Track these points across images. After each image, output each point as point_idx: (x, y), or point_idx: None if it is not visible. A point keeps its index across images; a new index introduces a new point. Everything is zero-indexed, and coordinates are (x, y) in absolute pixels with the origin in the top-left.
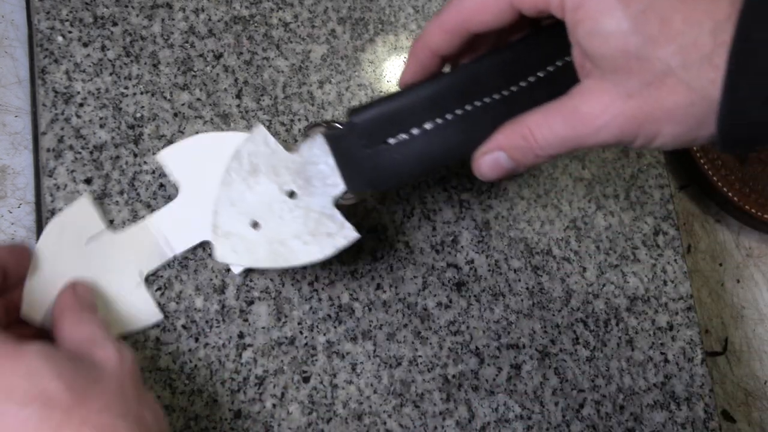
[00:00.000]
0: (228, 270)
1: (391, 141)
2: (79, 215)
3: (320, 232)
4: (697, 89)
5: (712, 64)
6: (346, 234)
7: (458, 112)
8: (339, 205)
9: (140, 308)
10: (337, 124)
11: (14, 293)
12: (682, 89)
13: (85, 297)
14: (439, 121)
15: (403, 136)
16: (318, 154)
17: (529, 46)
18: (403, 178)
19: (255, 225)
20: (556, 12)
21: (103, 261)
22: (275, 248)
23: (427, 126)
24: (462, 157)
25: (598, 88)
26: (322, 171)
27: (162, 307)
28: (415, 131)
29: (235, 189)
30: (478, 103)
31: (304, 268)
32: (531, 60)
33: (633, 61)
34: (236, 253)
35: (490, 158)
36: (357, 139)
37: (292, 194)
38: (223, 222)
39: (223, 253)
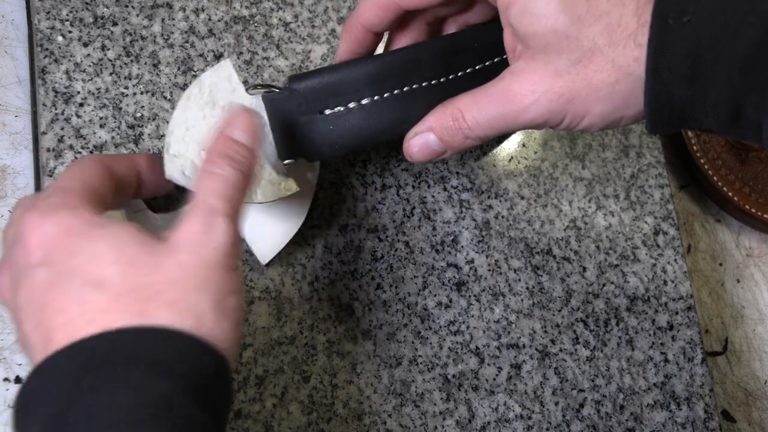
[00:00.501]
0: None
1: (328, 112)
2: (220, 77)
3: (264, 177)
4: (622, 67)
5: (636, 42)
6: (288, 185)
7: (396, 92)
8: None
9: (277, 179)
10: (276, 89)
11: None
12: (608, 67)
13: (241, 130)
14: (376, 98)
15: (340, 108)
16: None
17: (469, 39)
18: (335, 149)
19: (203, 153)
20: None
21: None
22: None
23: (365, 101)
24: (395, 135)
25: (528, 68)
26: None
27: None
28: (352, 105)
29: (191, 114)
30: (415, 86)
31: (305, 267)
32: (470, 52)
33: (562, 40)
34: (184, 176)
35: (421, 140)
36: (295, 106)
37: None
38: (176, 142)
39: (171, 172)
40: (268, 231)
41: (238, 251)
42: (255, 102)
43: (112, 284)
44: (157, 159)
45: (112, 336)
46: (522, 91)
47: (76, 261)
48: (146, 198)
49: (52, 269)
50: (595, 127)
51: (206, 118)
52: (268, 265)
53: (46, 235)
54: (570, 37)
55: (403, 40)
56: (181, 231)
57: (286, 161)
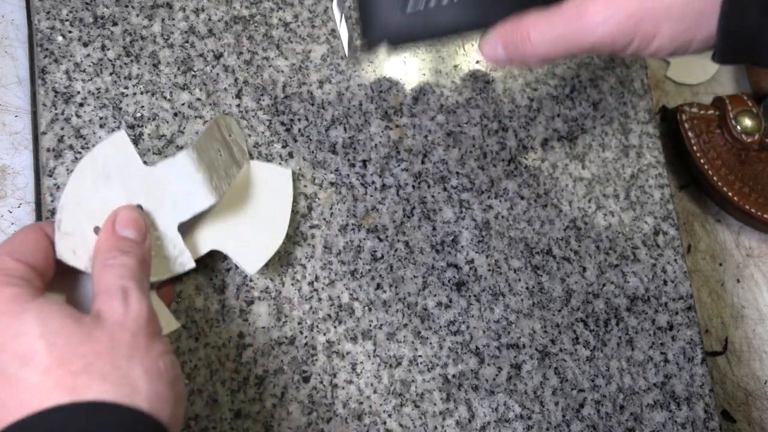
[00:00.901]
0: (228, 270)
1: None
2: (116, 148)
3: (158, 254)
4: None
5: None
6: (183, 261)
7: None
8: (359, 47)
9: (173, 254)
10: None
11: None
12: None
13: (125, 227)
14: None
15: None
16: (177, 174)
17: None
18: (420, 37)
19: (97, 230)
20: None
21: (137, 199)
22: None
23: None
24: (477, 29)
25: None
26: (175, 192)
27: None
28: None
29: (84, 187)
30: None
31: (305, 267)
32: None
33: None
34: (75, 255)
35: (490, 46)
36: None
37: (139, 208)
38: (67, 219)
39: (61, 251)
40: (252, 244)
41: (157, 319)
42: (164, 165)
43: (41, 359)
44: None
45: (44, 416)
46: (592, 9)
47: (3, 338)
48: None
49: None
50: (663, 51)
51: (100, 190)
52: (267, 265)
53: None
54: None
55: None
56: (98, 309)
57: (373, 45)
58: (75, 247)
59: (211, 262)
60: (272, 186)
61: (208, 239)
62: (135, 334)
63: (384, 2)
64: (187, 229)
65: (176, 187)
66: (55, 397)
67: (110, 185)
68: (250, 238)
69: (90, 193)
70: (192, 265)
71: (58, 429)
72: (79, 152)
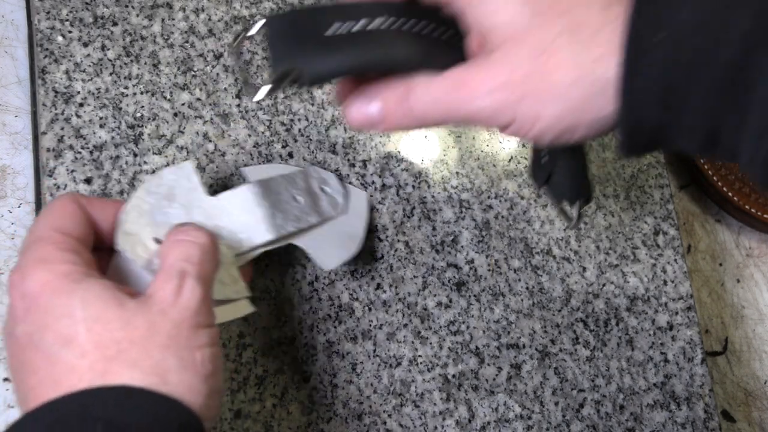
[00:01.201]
0: None
1: (329, 32)
2: (180, 175)
3: (216, 280)
4: (583, 65)
5: (598, 42)
6: (238, 289)
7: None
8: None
9: (225, 281)
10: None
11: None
12: (568, 64)
13: (198, 228)
14: (386, 23)
15: (342, 29)
16: (237, 206)
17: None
18: (342, 68)
19: (157, 241)
20: None
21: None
22: None
23: (373, 25)
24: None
25: (487, 61)
26: (233, 223)
27: None
28: (356, 27)
29: (148, 203)
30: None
31: (305, 267)
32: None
33: (523, 32)
34: (135, 252)
35: (362, 102)
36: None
37: None
38: (130, 222)
39: (123, 244)
40: (329, 248)
41: (208, 310)
42: (227, 197)
43: (79, 342)
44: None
45: (73, 398)
46: (475, 79)
47: (48, 318)
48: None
49: (29, 327)
50: (546, 134)
51: (162, 209)
52: (267, 265)
53: (25, 295)
54: (531, 30)
55: None
56: (151, 291)
57: (273, 84)
58: (135, 245)
59: None
60: (352, 196)
61: (298, 225)
62: (177, 324)
63: (299, 24)
64: (277, 211)
65: (235, 219)
66: (87, 379)
67: (172, 207)
68: (328, 242)
69: (153, 209)
70: (244, 294)
71: (83, 411)
72: (79, 152)
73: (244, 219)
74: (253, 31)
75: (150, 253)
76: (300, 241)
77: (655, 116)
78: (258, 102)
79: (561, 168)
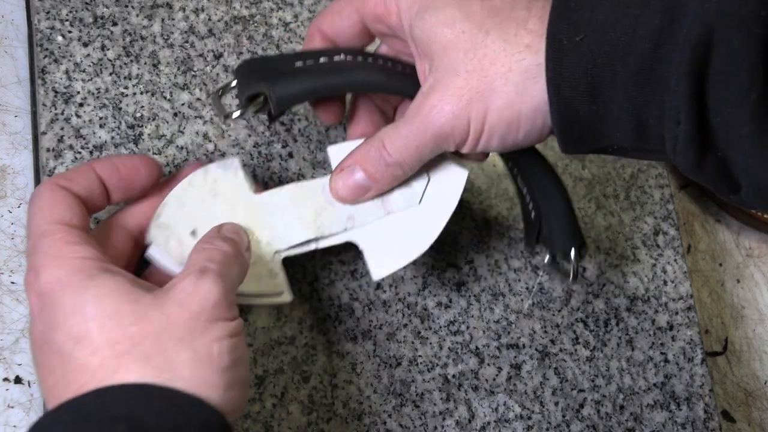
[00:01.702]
0: None
1: (298, 64)
2: (226, 171)
3: (253, 273)
4: (514, 54)
5: (527, 29)
6: (276, 283)
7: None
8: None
9: (265, 277)
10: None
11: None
12: (501, 57)
13: (229, 231)
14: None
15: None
16: (278, 205)
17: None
18: (309, 92)
19: (194, 233)
20: (394, 19)
21: (239, 222)
22: None
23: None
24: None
25: (435, 81)
26: (275, 222)
27: None
28: (322, 60)
29: (190, 196)
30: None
31: (305, 267)
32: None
33: (458, 36)
34: (167, 245)
35: (347, 175)
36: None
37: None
38: (166, 214)
39: (155, 236)
40: (390, 246)
41: (229, 305)
42: (270, 195)
43: (91, 340)
44: (116, 158)
45: (89, 398)
46: (428, 103)
47: (59, 316)
48: (118, 203)
49: (42, 326)
50: (494, 133)
51: (205, 203)
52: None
53: (40, 293)
54: (465, 32)
55: (358, 129)
56: (174, 284)
57: (250, 100)
58: (168, 238)
59: None
60: (439, 184)
61: (345, 228)
62: (194, 316)
63: (268, 61)
64: (323, 211)
65: (278, 217)
66: (99, 378)
67: (216, 203)
68: (390, 239)
69: (195, 202)
70: (281, 289)
71: (101, 410)
72: (79, 152)
73: (287, 218)
74: (234, 83)
75: (183, 246)
76: (357, 238)
77: (585, 107)
78: (229, 123)
79: (547, 213)
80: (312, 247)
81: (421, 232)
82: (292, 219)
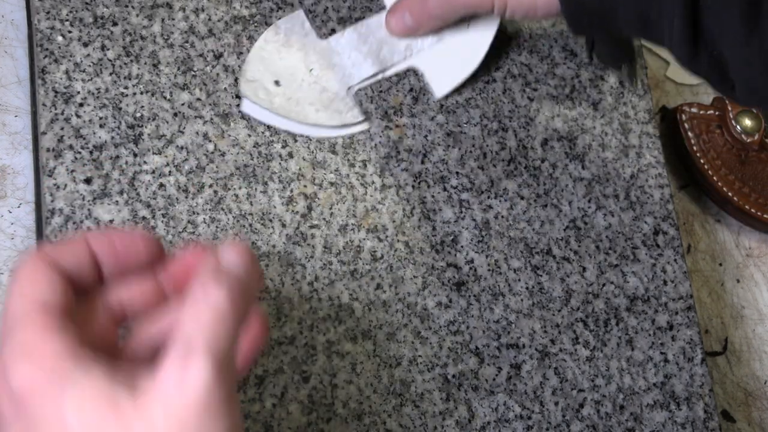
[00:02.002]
0: None
1: None
2: (294, 23)
3: (331, 107)
4: None
5: None
6: (354, 114)
7: None
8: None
9: (344, 110)
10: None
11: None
12: None
13: (230, 257)
14: None
15: None
16: (345, 45)
17: None
18: None
19: (277, 83)
20: None
21: (312, 65)
22: (291, 105)
23: None
24: None
25: None
26: (344, 62)
27: None
28: None
29: (266, 50)
30: None
31: (304, 267)
32: None
33: None
34: (257, 96)
35: (399, 16)
36: None
37: (311, 71)
38: (251, 71)
39: (246, 90)
40: (446, 67)
41: (226, 384)
42: (335, 39)
43: None
44: (114, 233)
45: None
46: None
47: (39, 429)
48: (110, 279)
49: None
50: (515, 12)
51: (281, 53)
52: (267, 265)
53: (13, 395)
54: None
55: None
56: (155, 378)
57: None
58: (256, 90)
59: None
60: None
61: (405, 57)
62: (183, 420)
63: None
64: (384, 44)
65: (345, 57)
66: None
67: (290, 52)
68: (446, 61)
69: (272, 55)
70: (362, 117)
71: None
72: (79, 152)
73: (355, 56)
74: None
75: (270, 94)
76: (417, 63)
77: (595, 4)
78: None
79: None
80: (379, 77)
81: (470, 53)
82: (359, 56)
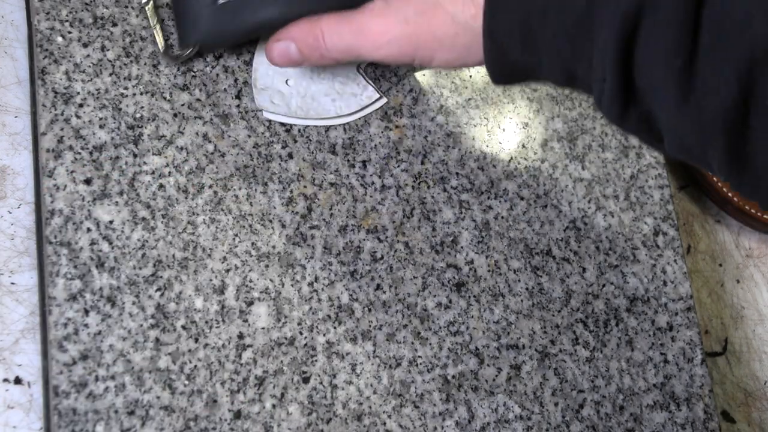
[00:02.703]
0: (228, 270)
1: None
2: None
3: (346, 92)
4: (461, 23)
5: (474, 3)
6: (369, 94)
7: None
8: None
9: (359, 92)
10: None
11: None
12: (449, 21)
13: None
14: None
15: None
16: None
17: None
18: (236, 34)
19: (288, 82)
20: None
21: None
22: (308, 102)
23: None
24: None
25: (383, 12)
26: None
27: (161, 307)
28: None
29: None
30: None
31: (304, 268)
32: None
33: None
34: (274, 104)
35: (282, 45)
36: None
37: None
38: (261, 77)
39: (261, 101)
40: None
41: None
42: None
43: None
44: None
45: None
46: (377, 30)
47: None
48: None
49: None
50: (444, 68)
51: None
52: (267, 266)
53: None
54: None
55: None
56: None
57: (187, 52)
58: (271, 97)
59: (211, 263)
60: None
61: None
62: None
63: (191, 8)
64: None
65: None
66: None
67: None
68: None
69: None
70: (378, 95)
71: None
72: (79, 153)
73: None
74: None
75: (286, 97)
76: None
77: (517, 54)
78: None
79: None
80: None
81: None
82: None
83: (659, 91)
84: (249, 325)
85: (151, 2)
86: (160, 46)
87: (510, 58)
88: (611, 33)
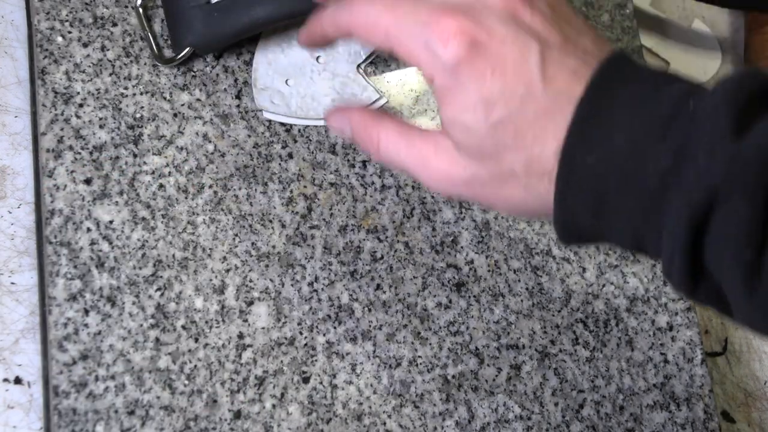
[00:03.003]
0: (228, 270)
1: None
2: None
3: (346, 92)
4: (533, 193)
5: (550, 179)
6: (369, 94)
7: None
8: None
9: (359, 92)
10: None
11: None
12: (521, 190)
13: None
14: None
15: None
16: None
17: None
18: (222, 38)
19: (288, 82)
20: (426, 77)
21: (317, 53)
22: (308, 102)
23: None
24: (280, 21)
25: (454, 156)
26: (348, 42)
27: (161, 307)
28: None
29: (270, 50)
30: None
31: (304, 268)
32: None
33: (485, 158)
34: (274, 104)
35: (341, 124)
36: None
37: (318, 59)
38: (261, 78)
39: (261, 102)
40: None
41: None
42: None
43: None
44: None
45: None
46: (440, 168)
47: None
48: None
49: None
50: (499, 210)
51: (284, 51)
52: (267, 266)
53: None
54: (492, 158)
55: None
56: None
57: (180, 55)
58: (272, 97)
59: (211, 262)
60: None
61: None
62: None
63: (184, 12)
64: None
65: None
66: None
67: (292, 46)
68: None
69: (276, 55)
70: (377, 96)
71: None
72: (79, 153)
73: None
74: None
75: (286, 97)
76: None
77: (587, 220)
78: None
79: None
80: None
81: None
82: None
83: (728, 282)
84: (249, 325)
85: (140, 2)
86: (153, 51)
87: (579, 224)
88: (683, 219)
